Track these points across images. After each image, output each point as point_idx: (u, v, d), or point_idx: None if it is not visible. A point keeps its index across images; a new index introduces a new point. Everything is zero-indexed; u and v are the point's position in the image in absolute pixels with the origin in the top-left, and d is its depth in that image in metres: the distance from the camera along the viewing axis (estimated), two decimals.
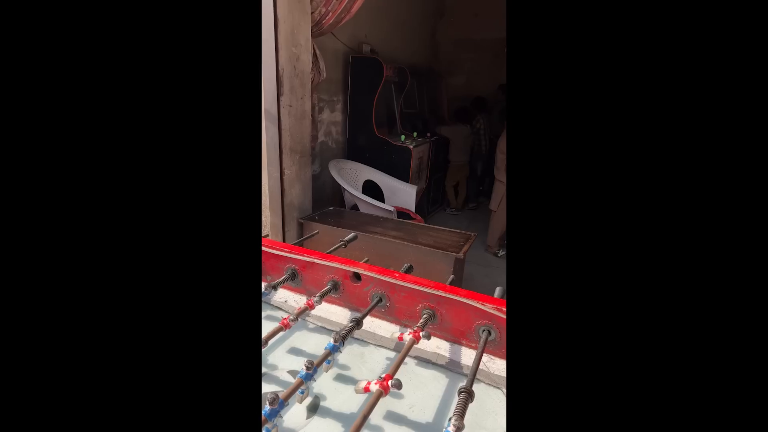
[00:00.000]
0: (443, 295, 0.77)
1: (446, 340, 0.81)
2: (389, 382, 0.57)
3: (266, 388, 0.69)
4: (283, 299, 0.95)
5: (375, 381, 0.57)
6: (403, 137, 3.77)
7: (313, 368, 0.60)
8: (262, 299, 0.95)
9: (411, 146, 3.63)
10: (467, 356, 0.77)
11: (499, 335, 0.74)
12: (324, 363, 0.65)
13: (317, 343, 0.82)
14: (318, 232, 1.89)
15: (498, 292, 0.81)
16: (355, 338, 0.83)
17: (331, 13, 2.47)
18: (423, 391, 0.70)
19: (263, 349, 0.74)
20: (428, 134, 4.22)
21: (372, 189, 3.55)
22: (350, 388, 0.70)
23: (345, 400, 0.67)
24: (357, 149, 3.76)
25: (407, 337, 0.71)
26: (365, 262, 0.90)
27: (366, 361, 0.78)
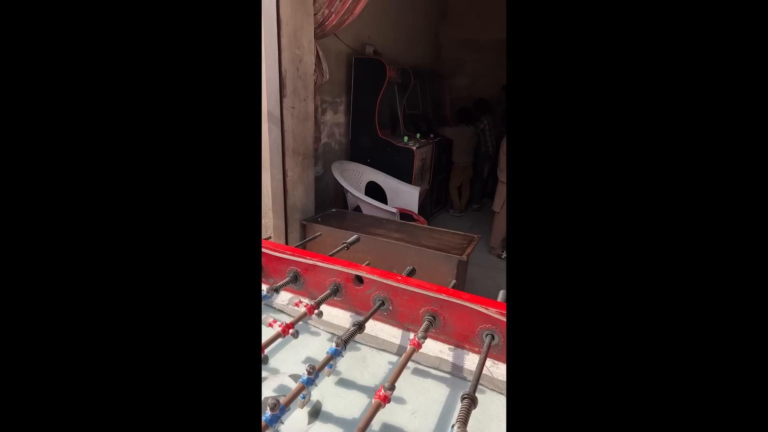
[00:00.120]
0: (446, 298, 0.76)
1: (449, 344, 0.80)
2: (382, 392, 0.55)
3: (267, 392, 0.69)
4: (285, 302, 0.95)
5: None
6: (406, 138, 3.76)
7: (314, 373, 0.59)
8: (264, 302, 0.94)
9: (414, 147, 3.62)
10: (470, 361, 0.76)
11: (503, 340, 0.73)
12: (326, 367, 0.64)
13: (319, 347, 0.82)
14: (321, 234, 1.89)
15: (501, 295, 0.80)
16: (357, 342, 0.83)
17: (334, 15, 2.47)
18: (425, 396, 0.69)
19: (265, 352, 0.73)
20: (431, 135, 4.22)
21: (375, 190, 3.55)
22: (352, 393, 0.69)
23: (347, 405, 0.67)
24: (360, 151, 3.76)
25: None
26: (366, 265, 0.89)
27: (368, 366, 0.77)
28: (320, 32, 2.52)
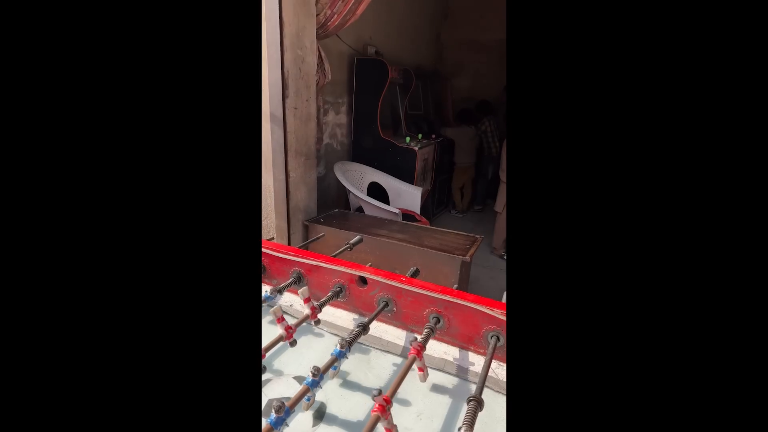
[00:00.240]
0: (451, 300, 0.76)
1: (454, 345, 0.80)
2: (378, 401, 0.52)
3: (272, 394, 0.68)
4: (289, 303, 0.95)
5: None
6: (408, 139, 3.76)
7: (319, 375, 0.59)
8: (266, 303, 0.94)
9: (416, 148, 3.62)
10: (476, 363, 0.75)
11: None
12: (330, 369, 0.64)
13: (323, 348, 0.82)
14: (323, 235, 1.89)
15: (506, 296, 0.79)
16: (362, 343, 0.82)
17: (336, 15, 2.47)
18: (431, 398, 0.69)
19: (266, 356, 0.73)
20: (433, 136, 4.21)
21: (377, 191, 3.54)
22: (357, 395, 0.69)
23: (351, 407, 0.66)
24: (362, 151, 3.75)
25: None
26: (369, 265, 0.89)
27: (373, 367, 0.77)
28: (322, 33, 2.52)
